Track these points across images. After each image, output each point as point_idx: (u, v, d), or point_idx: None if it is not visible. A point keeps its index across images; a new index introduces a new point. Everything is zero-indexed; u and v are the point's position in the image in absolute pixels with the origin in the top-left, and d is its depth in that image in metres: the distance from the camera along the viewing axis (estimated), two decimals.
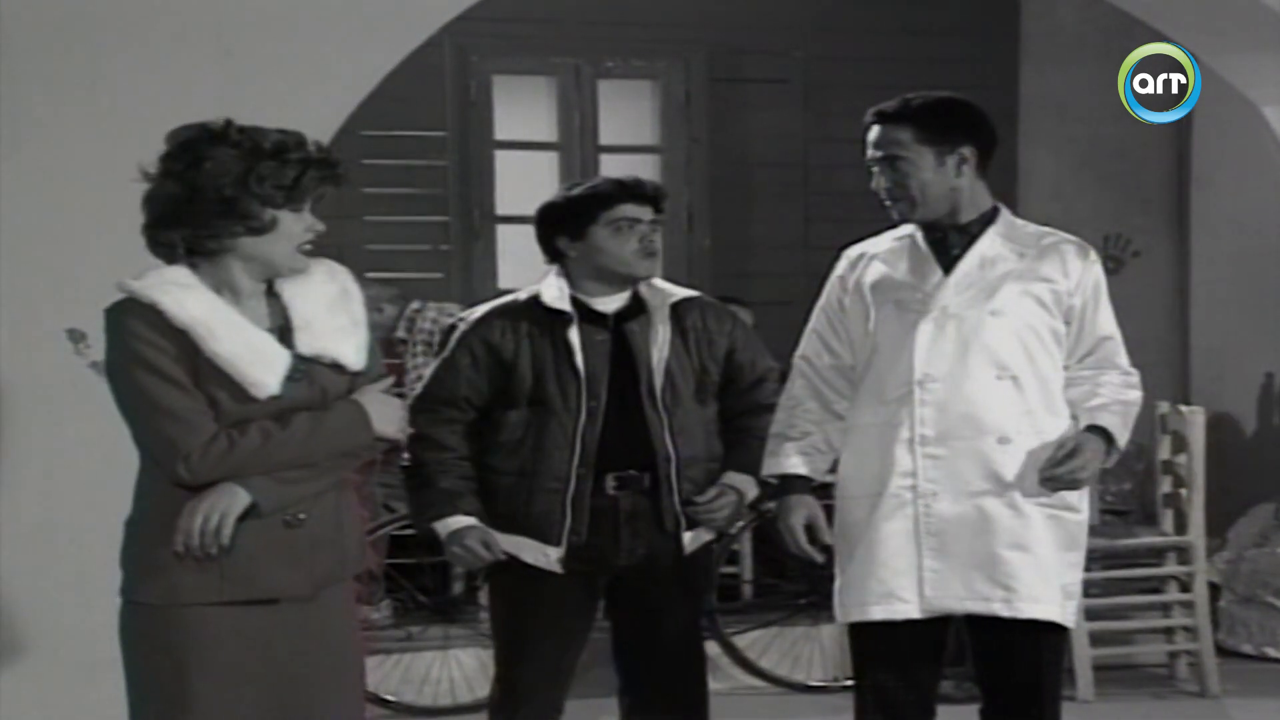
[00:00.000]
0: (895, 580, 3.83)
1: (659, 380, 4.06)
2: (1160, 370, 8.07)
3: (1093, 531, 6.52)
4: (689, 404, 4.11)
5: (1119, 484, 7.20)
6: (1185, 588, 6.38)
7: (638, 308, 4.13)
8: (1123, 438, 3.89)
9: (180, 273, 3.22)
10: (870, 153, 3.95)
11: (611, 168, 8.15)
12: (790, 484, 3.96)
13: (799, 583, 6.46)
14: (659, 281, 4.20)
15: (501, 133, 8.21)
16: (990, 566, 3.80)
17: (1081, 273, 3.95)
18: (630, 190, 4.11)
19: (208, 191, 3.15)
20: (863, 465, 3.93)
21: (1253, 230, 7.89)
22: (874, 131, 3.94)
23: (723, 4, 8.18)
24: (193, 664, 3.17)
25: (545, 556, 4.02)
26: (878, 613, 3.84)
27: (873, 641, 3.91)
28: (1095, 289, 3.98)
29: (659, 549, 4.08)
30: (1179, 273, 8.42)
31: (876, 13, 8.23)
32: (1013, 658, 3.90)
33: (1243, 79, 5.80)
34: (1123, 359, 4.00)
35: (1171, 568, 6.41)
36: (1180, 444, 6.34)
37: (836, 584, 3.97)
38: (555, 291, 4.06)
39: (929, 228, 3.96)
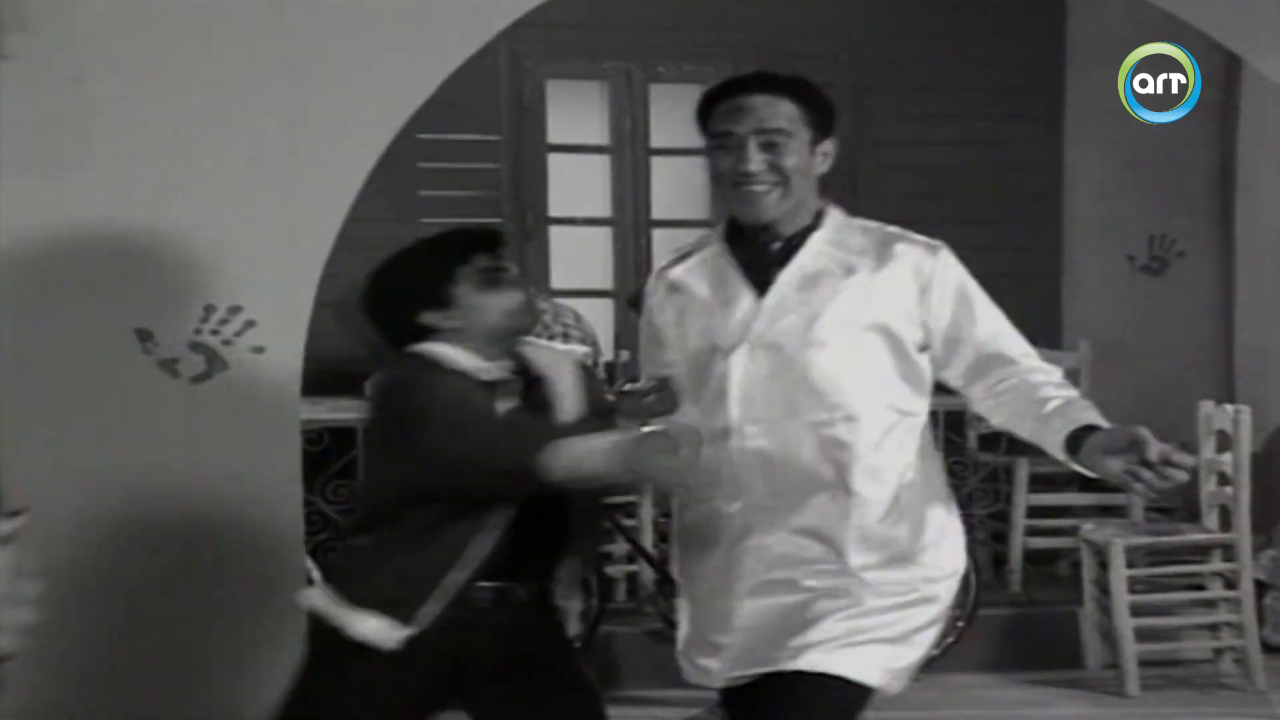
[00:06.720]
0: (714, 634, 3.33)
1: None
2: (1205, 370, 8.10)
3: (1138, 528, 6.64)
4: None
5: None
6: (1230, 584, 6.43)
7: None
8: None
9: None
10: (739, 126, 3.23)
11: (662, 170, 8.26)
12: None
13: None
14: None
15: (554, 136, 8.29)
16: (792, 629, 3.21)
17: (933, 279, 3.25)
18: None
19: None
20: (690, 512, 3.40)
21: None
22: (748, 100, 3.24)
23: (771, 8, 8.23)
24: None
25: None
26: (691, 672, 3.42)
27: None
28: (959, 294, 3.27)
29: None
30: (1223, 273, 8.42)
31: (923, 16, 8.25)
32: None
33: None
34: (1023, 348, 3.28)
35: (1217, 564, 6.45)
36: (1225, 442, 6.38)
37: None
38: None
39: (738, 238, 3.33)
